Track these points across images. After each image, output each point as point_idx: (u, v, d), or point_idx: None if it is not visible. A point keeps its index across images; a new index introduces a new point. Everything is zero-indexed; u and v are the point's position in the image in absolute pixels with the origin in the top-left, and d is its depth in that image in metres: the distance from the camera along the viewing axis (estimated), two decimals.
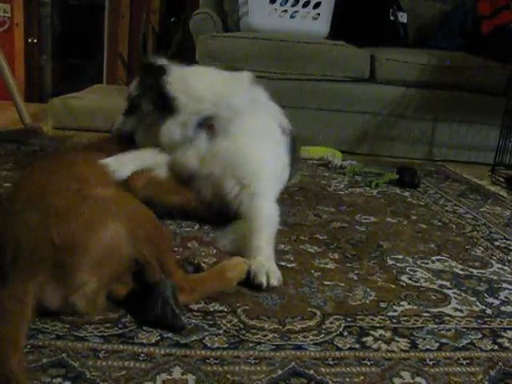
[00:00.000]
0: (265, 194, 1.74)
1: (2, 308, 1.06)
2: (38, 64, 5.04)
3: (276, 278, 1.39)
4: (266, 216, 1.65)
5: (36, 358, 1.04)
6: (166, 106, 1.79)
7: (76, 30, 5.29)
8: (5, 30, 4.70)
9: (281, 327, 1.22)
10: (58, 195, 1.26)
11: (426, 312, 1.35)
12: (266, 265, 1.42)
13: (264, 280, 1.37)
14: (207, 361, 1.07)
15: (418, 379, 1.07)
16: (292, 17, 3.44)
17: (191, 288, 1.28)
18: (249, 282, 1.39)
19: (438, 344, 1.21)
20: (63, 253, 1.13)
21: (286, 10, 3.41)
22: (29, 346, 1.07)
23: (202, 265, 1.45)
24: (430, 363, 1.13)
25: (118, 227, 1.20)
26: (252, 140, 1.79)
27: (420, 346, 1.20)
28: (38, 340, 1.10)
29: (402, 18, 3.82)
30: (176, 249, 1.60)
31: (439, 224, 2.08)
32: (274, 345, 1.15)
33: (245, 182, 1.73)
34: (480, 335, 1.26)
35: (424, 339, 1.23)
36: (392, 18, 3.79)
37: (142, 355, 1.07)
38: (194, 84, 1.83)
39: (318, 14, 3.46)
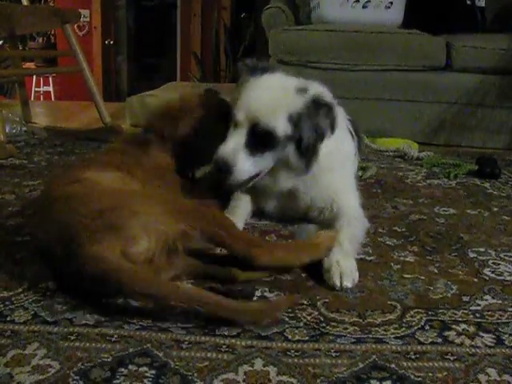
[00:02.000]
0: (348, 201, 1.72)
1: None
2: (115, 64, 5.21)
3: (350, 279, 1.36)
4: (349, 217, 1.64)
5: (122, 348, 1.08)
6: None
7: (150, 30, 5.44)
8: (84, 33, 4.89)
9: (361, 320, 1.21)
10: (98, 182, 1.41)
11: None
12: (341, 263, 1.39)
13: (338, 282, 1.35)
14: (288, 353, 1.08)
15: (505, 377, 1.04)
16: (364, 7, 3.39)
17: (269, 246, 1.37)
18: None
19: None
20: (111, 216, 1.24)
21: (358, 1, 3.37)
22: (115, 336, 1.12)
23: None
24: None
25: (155, 206, 1.30)
26: (336, 163, 1.75)
27: (506, 343, 1.15)
28: (124, 330, 1.14)
29: (480, 1, 3.69)
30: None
31: None
32: (354, 338, 1.14)
33: (328, 206, 1.72)
34: None
35: (510, 335, 1.18)
36: (469, 2, 3.67)
37: (224, 347, 1.09)
38: None
39: (391, 3, 3.39)
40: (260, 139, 1.57)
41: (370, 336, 1.15)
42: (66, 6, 5.26)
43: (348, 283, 1.35)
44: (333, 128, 1.61)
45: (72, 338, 1.11)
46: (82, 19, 4.74)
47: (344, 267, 1.38)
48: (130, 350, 1.07)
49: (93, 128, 3.32)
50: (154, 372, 1.01)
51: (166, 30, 5.54)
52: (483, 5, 3.71)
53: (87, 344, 1.09)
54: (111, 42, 5.32)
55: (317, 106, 1.58)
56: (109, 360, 1.04)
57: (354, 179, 1.87)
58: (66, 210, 1.29)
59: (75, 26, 4.56)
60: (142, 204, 1.30)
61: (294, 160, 1.62)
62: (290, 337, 1.14)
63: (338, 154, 1.74)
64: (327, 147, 1.64)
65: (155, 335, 1.13)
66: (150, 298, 1.18)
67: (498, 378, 1.03)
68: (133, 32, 5.52)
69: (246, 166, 1.57)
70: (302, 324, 1.19)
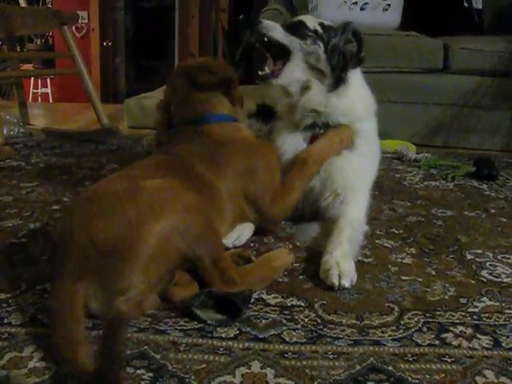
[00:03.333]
0: (356, 202, 1.72)
1: (55, 310, 1.09)
2: (113, 66, 5.21)
3: (348, 279, 1.36)
4: (351, 218, 1.64)
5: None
6: None
7: (148, 32, 5.44)
8: (82, 35, 4.89)
9: (358, 322, 1.21)
10: (107, 195, 1.23)
11: (509, 309, 1.31)
12: (340, 263, 1.39)
13: (336, 281, 1.35)
14: (285, 355, 1.08)
15: (502, 379, 1.04)
16: (362, 9, 3.40)
17: (242, 280, 1.30)
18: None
19: None
20: (107, 257, 1.13)
21: (355, 2, 3.37)
22: None
23: (252, 258, 1.47)
24: None
25: (167, 223, 1.18)
26: (364, 113, 1.82)
27: (504, 345, 1.16)
28: None
29: (477, 3, 3.69)
30: (252, 244, 1.63)
31: None
32: (352, 340, 1.14)
33: (339, 192, 1.72)
34: None
35: (508, 337, 1.18)
36: (466, 4, 3.68)
37: (221, 349, 1.09)
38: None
39: (389, 5, 3.40)
40: (293, 27, 1.73)
41: (368, 338, 1.15)
42: (64, 7, 5.26)
43: (346, 283, 1.35)
44: (359, 60, 1.75)
45: None
46: (80, 21, 4.74)
47: (343, 267, 1.38)
48: (128, 352, 1.07)
49: (91, 130, 3.32)
50: (151, 374, 1.01)
51: (165, 32, 5.54)
52: (480, 7, 3.71)
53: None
54: (109, 44, 5.32)
55: (349, 27, 1.73)
56: None
57: (375, 164, 1.89)
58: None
59: (73, 27, 4.56)
60: (157, 221, 1.18)
61: (323, 61, 1.70)
62: (287, 339, 1.14)
63: (366, 106, 1.83)
64: (357, 94, 1.77)
65: (152, 337, 1.13)
66: None
67: (496, 380, 1.03)
68: (131, 34, 5.53)
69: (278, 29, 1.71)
70: (299, 326, 1.19)
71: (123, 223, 1.15)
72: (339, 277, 1.35)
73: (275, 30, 1.70)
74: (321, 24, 1.75)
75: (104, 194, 1.24)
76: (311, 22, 1.75)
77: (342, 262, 1.40)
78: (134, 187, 1.24)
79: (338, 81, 1.71)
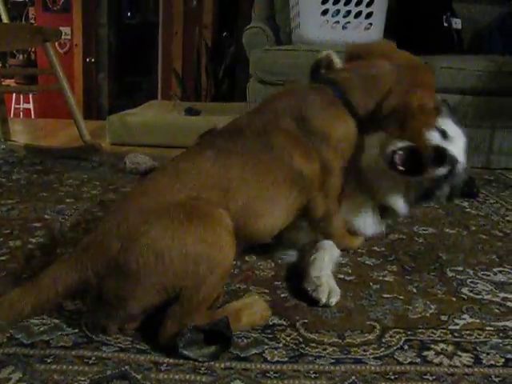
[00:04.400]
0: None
1: None
2: (96, 82, 5.21)
3: (336, 297, 1.38)
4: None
5: (100, 370, 1.07)
6: None
7: (131, 48, 5.45)
8: (65, 51, 4.88)
9: (340, 341, 1.21)
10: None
11: (490, 326, 1.32)
12: (330, 281, 1.41)
13: (324, 298, 1.36)
14: (267, 374, 1.08)
15: None
16: (344, 27, 3.43)
17: None
18: (306, 296, 1.39)
19: (503, 360, 1.17)
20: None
21: (337, 22, 3.41)
22: (93, 358, 1.10)
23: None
24: (496, 380, 1.10)
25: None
26: None
27: (484, 362, 1.16)
28: (102, 352, 1.13)
29: (457, 24, 3.75)
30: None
31: (500, 234, 2.02)
32: (333, 358, 1.14)
33: None
34: None
35: (488, 354, 1.19)
36: (446, 24, 3.73)
37: (203, 368, 1.09)
38: None
39: (371, 24, 3.44)
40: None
41: (349, 356, 1.15)
42: (46, 23, 5.26)
43: (333, 301, 1.37)
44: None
45: (48, 360, 1.10)
46: (63, 37, 4.73)
47: (333, 286, 1.40)
48: (108, 372, 1.06)
49: (73, 146, 3.30)
50: None
51: (148, 49, 5.56)
52: (460, 27, 3.77)
53: (64, 367, 1.08)
54: (92, 60, 5.31)
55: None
56: (86, 383, 1.03)
57: None
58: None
59: (56, 43, 4.56)
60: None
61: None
62: (269, 358, 1.13)
63: None
64: None
65: (134, 357, 1.12)
66: None
67: None
68: (114, 50, 5.53)
69: None
70: (281, 345, 1.18)
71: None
72: (328, 294, 1.36)
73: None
74: None
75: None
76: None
77: (332, 280, 1.43)
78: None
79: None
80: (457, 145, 1.58)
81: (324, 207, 1.55)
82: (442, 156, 1.47)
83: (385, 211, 1.72)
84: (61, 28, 4.20)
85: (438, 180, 1.56)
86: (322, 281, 1.40)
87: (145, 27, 5.66)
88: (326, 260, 1.51)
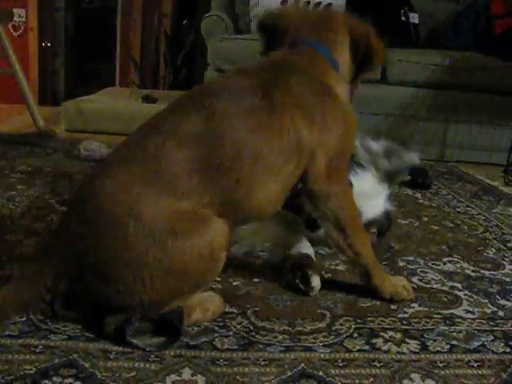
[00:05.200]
0: None
1: None
2: (52, 67, 5.08)
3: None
4: None
5: (47, 359, 1.05)
6: None
7: (89, 34, 5.34)
8: (19, 34, 4.75)
9: (291, 329, 1.22)
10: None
11: (437, 314, 1.35)
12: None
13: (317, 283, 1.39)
14: (217, 362, 1.08)
15: (428, 381, 1.07)
16: None
17: None
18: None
19: (448, 346, 1.21)
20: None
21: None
22: (40, 347, 1.09)
23: None
24: (441, 365, 1.13)
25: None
26: None
27: (430, 348, 1.19)
28: (50, 340, 1.11)
29: (414, 18, 3.80)
30: None
31: (451, 225, 2.07)
32: (283, 346, 1.15)
33: None
34: (492, 337, 1.26)
35: (434, 341, 1.22)
36: (403, 18, 3.77)
37: (152, 356, 1.08)
38: None
39: None
40: None
41: (299, 344, 1.16)
42: None
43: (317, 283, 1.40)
44: None
45: None
46: (17, 19, 4.60)
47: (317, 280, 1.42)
48: (55, 360, 1.05)
49: (25, 132, 3.22)
50: (79, 383, 0.99)
51: (106, 35, 5.45)
52: (417, 22, 3.82)
53: (9, 356, 1.05)
54: (48, 45, 5.17)
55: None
56: (32, 372, 1.01)
57: None
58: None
59: (10, 25, 4.43)
60: None
61: None
62: (219, 346, 1.13)
63: None
64: None
65: (82, 345, 1.11)
66: None
67: (421, 383, 1.07)
68: (71, 35, 5.40)
69: None
70: (231, 333, 1.19)
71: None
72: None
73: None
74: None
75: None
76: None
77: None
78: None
79: None
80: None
81: (326, 179, 1.32)
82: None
83: None
84: (14, 10, 4.08)
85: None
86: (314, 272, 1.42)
87: (103, 12, 5.54)
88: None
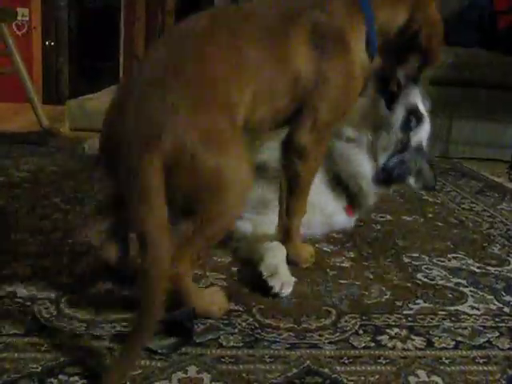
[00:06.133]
0: None
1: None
2: (56, 66, 5.09)
3: (289, 289, 1.37)
4: None
5: (53, 357, 1.05)
6: None
7: (93, 32, 5.34)
8: (23, 33, 4.76)
9: (296, 326, 1.22)
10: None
11: (442, 310, 1.35)
12: (285, 271, 1.41)
13: (278, 287, 1.34)
14: (222, 359, 1.08)
15: (434, 378, 1.07)
16: None
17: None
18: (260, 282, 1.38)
19: (454, 342, 1.20)
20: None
21: None
22: (46, 345, 1.09)
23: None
24: (447, 362, 1.13)
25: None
26: None
27: (436, 345, 1.19)
28: (56, 339, 1.11)
29: None
30: None
31: (456, 222, 2.06)
32: (289, 343, 1.15)
33: None
34: (497, 334, 1.26)
35: (440, 337, 1.22)
36: None
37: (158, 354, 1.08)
38: None
39: None
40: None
41: (305, 341, 1.16)
42: (2, 2, 5.11)
43: (287, 291, 1.36)
44: None
45: None
46: (20, 18, 4.61)
47: (287, 275, 1.40)
48: (61, 359, 1.05)
49: (29, 131, 3.23)
50: (85, 381, 0.99)
51: (109, 33, 5.45)
52: None
53: (15, 354, 1.06)
54: (52, 44, 5.18)
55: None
56: (38, 370, 1.01)
57: None
58: None
59: (13, 24, 4.43)
60: None
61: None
62: (224, 343, 1.13)
63: None
64: None
65: (87, 343, 1.11)
66: None
67: (427, 379, 1.07)
68: (75, 33, 5.40)
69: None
70: (236, 330, 1.19)
71: None
72: (282, 284, 1.36)
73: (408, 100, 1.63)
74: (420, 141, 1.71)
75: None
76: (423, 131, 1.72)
77: (287, 270, 1.42)
78: None
79: None
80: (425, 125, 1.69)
81: (309, 135, 1.37)
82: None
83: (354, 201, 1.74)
84: (18, 9, 4.08)
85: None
86: (279, 270, 1.39)
87: (106, 11, 5.54)
88: (283, 248, 1.50)
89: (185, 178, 1.07)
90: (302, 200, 1.48)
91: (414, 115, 1.64)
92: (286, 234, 1.51)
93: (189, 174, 1.06)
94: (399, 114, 1.62)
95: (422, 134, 1.71)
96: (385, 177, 1.67)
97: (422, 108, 1.67)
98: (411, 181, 1.71)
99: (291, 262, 1.49)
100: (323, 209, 1.70)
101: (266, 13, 1.34)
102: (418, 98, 1.66)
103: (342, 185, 1.72)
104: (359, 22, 1.38)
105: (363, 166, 1.67)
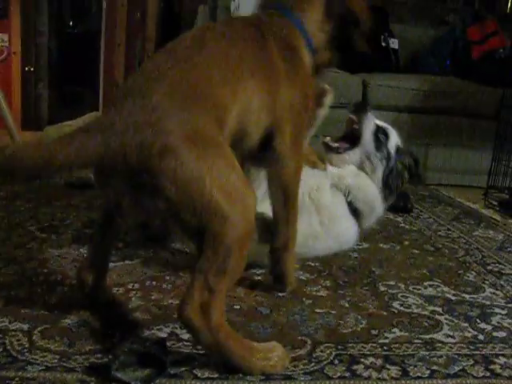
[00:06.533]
0: None
1: None
2: (35, 92, 5.07)
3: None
4: None
5: None
6: None
7: (72, 58, 5.34)
8: (2, 59, 4.74)
9: None
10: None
11: (418, 339, 1.35)
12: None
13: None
14: None
15: None
16: None
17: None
18: None
19: (429, 371, 1.21)
20: None
21: None
22: (17, 379, 1.07)
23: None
24: None
25: None
26: None
27: (411, 374, 1.19)
28: (27, 372, 1.09)
29: (394, 44, 3.86)
30: (168, 277, 1.61)
31: (432, 249, 2.08)
32: (264, 375, 1.14)
33: None
34: (472, 362, 1.26)
35: (415, 366, 1.22)
36: (384, 44, 3.84)
37: None
38: None
39: None
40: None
41: (280, 373, 1.16)
42: None
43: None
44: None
45: None
46: (0, 43, 4.60)
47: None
48: None
49: None
50: None
51: (90, 59, 5.46)
52: (397, 47, 3.89)
53: None
54: (32, 69, 5.18)
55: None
56: None
57: None
58: None
59: None
60: None
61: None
62: (199, 374, 1.12)
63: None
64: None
65: (60, 376, 1.09)
66: None
67: None
68: (55, 59, 5.40)
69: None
70: (211, 362, 1.16)
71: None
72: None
73: (369, 128, 1.89)
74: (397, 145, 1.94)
75: None
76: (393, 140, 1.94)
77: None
78: None
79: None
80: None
81: (286, 141, 1.41)
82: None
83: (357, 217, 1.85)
84: None
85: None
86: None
87: (86, 37, 5.56)
88: None
89: (173, 186, 1.04)
90: (293, 209, 1.50)
91: (379, 132, 1.90)
92: (283, 245, 1.52)
93: (176, 180, 1.04)
94: (369, 142, 1.87)
95: (394, 138, 1.94)
96: (388, 191, 1.88)
97: (380, 123, 1.91)
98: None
99: (276, 280, 1.56)
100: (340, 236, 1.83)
101: (238, 27, 1.39)
102: (372, 121, 1.90)
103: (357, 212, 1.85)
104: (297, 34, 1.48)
105: (375, 193, 1.86)
